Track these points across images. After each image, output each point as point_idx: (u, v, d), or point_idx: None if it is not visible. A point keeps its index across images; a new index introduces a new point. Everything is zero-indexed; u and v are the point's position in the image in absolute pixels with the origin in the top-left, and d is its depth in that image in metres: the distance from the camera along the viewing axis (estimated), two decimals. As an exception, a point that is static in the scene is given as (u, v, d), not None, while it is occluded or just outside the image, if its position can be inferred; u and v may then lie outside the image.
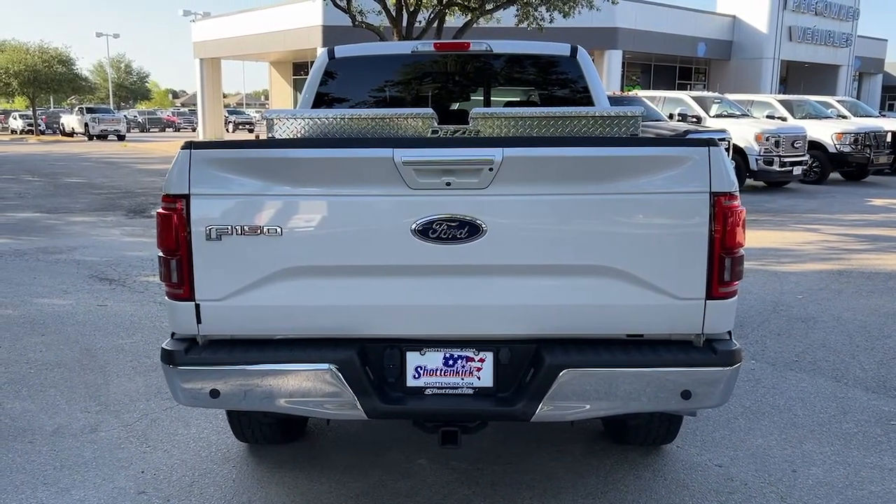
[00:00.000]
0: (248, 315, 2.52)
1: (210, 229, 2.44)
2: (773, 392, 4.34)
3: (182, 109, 74.36)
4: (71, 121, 46.56)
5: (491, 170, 2.38)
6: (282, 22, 29.98)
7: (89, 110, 45.91)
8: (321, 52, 4.32)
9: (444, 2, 13.00)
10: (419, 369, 2.58)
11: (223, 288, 2.48)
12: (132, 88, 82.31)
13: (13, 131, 52.54)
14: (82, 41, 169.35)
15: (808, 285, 6.99)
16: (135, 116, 62.99)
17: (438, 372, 2.58)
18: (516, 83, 4.58)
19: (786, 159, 14.83)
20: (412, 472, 3.40)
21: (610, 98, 16.40)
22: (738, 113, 16.67)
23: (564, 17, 14.12)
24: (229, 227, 2.43)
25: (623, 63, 31.19)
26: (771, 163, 14.79)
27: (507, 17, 15.27)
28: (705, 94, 20.25)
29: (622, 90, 26.36)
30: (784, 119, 17.46)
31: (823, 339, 5.37)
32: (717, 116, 17.77)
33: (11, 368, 4.71)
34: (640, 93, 20.94)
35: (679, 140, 2.73)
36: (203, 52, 37.73)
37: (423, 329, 2.54)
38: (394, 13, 12.90)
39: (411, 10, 12.84)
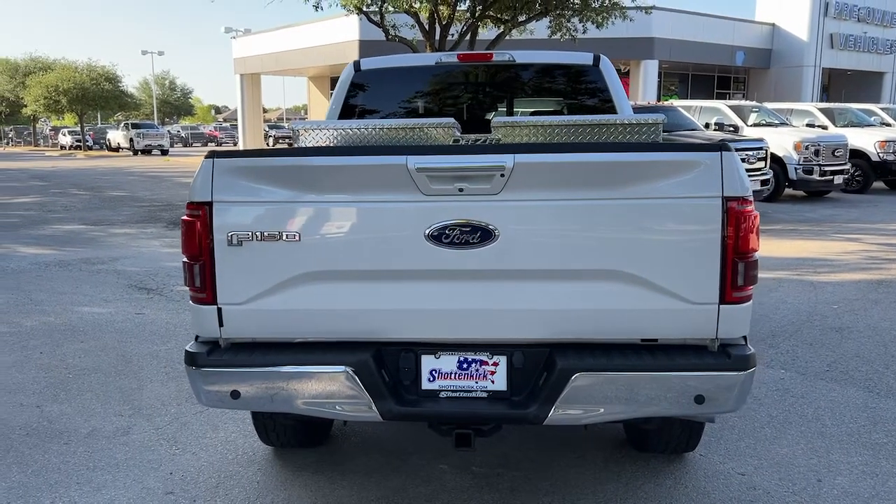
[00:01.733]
0: (268, 319, 2.59)
1: (231, 235, 2.52)
2: (802, 402, 4.28)
3: (224, 124, 75.84)
4: (117, 136, 47.92)
5: (503, 175, 2.42)
6: (319, 37, 30.48)
7: (134, 126, 47.16)
8: (348, 65, 4.41)
9: (476, 14, 13.09)
10: (434, 373, 2.62)
11: (244, 292, 2.56)
12: (176, 104, 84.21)
13: (62, 147, 54.26)
14: (129, 59, 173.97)
15: (845, 295, 6.86)
16: (178, 131, 64.57)
17: (453, 375, 2.62)
18: (539, 92, 4.61)
19: (826, 168, 14.56)
20: (433, 476, 3.44)
21: (645, 108, 16.38)
22: (776, 122, 16.42)
23: (598, 27, 14.11)
24: (250, 234, 2.52)
25: (660, 73, 30.98)
26: (811, 172, 14.54)
27: (540, 29, 15.31)
28: (743, 103, 20.01)
29: (659, 100, 26.19)
30: (825, 127, 17.13)
31: (857, 349, 5.27)
32: (756, 125, 17.52)
33: (52, 373, 4.88)
34: (677, 102, 20.76)
35: (691, 145, 2.73)
36: (243, 68, 38.55)
37: (437, 333, 2.59)
38: (427, 27, 13.04)
39: (444, 23, 12.96)
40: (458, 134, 3.50)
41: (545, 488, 3.32)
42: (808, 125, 17.29)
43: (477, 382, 2.61)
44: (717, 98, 29.70)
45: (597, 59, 4.30)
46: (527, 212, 2.47)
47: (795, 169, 14.54)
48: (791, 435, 3.84)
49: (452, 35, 13.42)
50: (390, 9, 12.27)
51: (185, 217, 2.58)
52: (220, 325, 2.60)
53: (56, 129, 62.75)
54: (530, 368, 2.58)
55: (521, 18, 13.75)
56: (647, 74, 28.39)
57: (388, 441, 3.82)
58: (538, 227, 2.49)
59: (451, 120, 3.38)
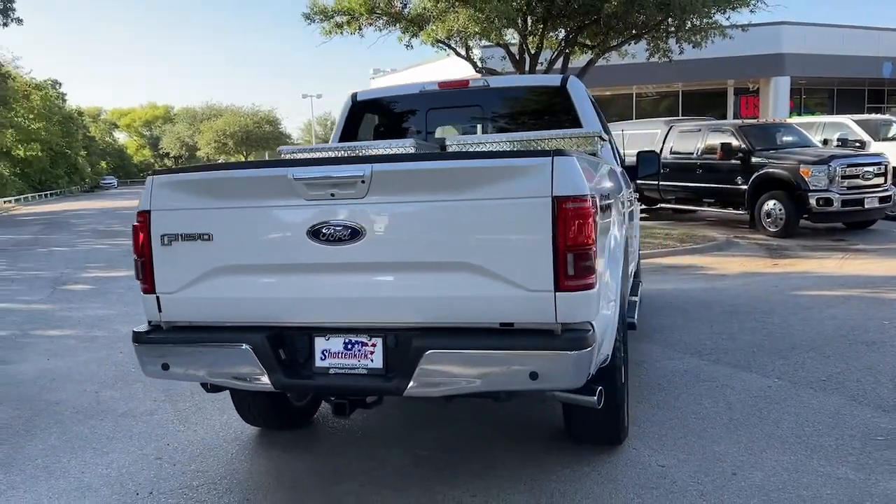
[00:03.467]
0: (193, 305, 3.17)
1: (164, 237, 3.13)
2: (773, 407, 4.29)
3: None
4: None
5: (364, 182, 2.87)
6: (439, 75, 31.69)
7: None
8: (348, 96, 5.01)
9: (563, 43, 13.37)
10: (325, 352, 3.08)
11: (175, 283, 3.16)
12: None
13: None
14: (290, 102, 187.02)
15: (904, 311, 6.53)
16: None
17: (340, 355, 3.06)
18: (510, 113, 4.96)
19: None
20: (377, 455, 3.87)
21: (762, 125, 16.09)
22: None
23: (694, 47, 13.94)
24: (177, 235, 3.11)
25: (798, 89, 29.48)
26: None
27: (640, 52, 15.32)
28: (874, 117, 18.78)
29: (791, 116, 24.96)
30: None
31: (873, 362, 5.09)
32: (889, 139, 16.44)
33: (121, 368, 5.77)
34: (799, 119, 19.83)
35: (525, 152, 3.03)
36: None
37: (324, 318, 3.05)
38: (517, 57, 13.50)
39: (532, 52, 13.36)
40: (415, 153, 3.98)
41: (476, 469, 3.64)
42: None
43: (359, 361, 3.04)
44: (868, 112, 27.80)
45: (564, 81, 4.61)
46: (387, 212, 2.90)
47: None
48: (738, 435, 3.90)
49: (542, 63, 13.78)
50: (477, 42, 12.83)
51: (134, 224, 3.23)
52: (160, 310, 3.21)
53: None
54: (401, 349, 2.97)
55: (613, 43, 13.87)
56: (778, 91, 27.13)
57: (360, 429, 4.29)
58: (397, 225, 2.90)
59: (410, 141, 3.87)
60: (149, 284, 3.20)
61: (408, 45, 12.87)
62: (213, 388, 3.35)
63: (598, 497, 3.28)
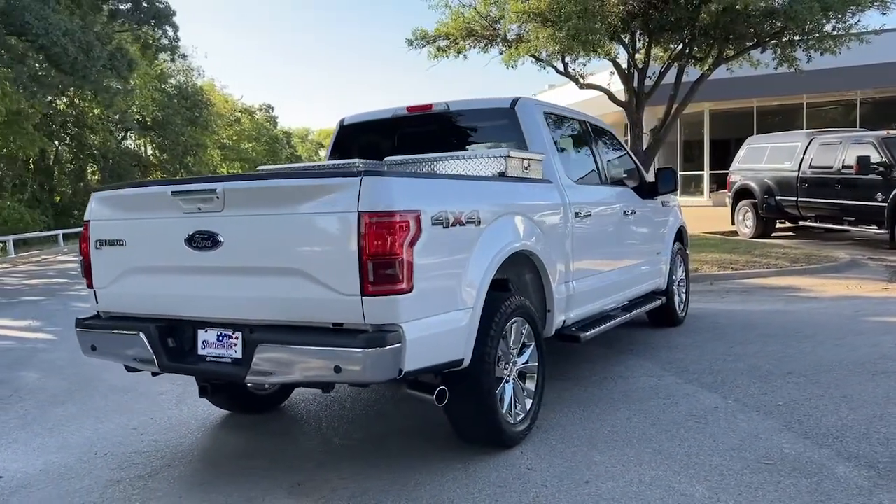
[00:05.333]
0: (116, 298, 3.88)
1: (96, 241, 3.87)
2: (697, 427, 4.23)
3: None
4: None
5: (218, 198, 3.41)
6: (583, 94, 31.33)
7: None
8: (339, 120, 5.59)
9: (670, 57, 13.00)
10: (204, 343, 3.64)
11: (105, 280, 3.88)
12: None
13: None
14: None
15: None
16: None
17: (214, 345, 3.61)
18: (466, 133, 5.23)
19: None
20: (301, 440, 4.38)
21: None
22: None
23: (822, 54, 13.00)
24: (104, 241, 3.83)
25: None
26: None
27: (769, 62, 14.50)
28: None
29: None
30: None
31: (860, 392, 4.77)
32: None
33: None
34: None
35: (337, 172, 3.38)
36: (607, 117, 40.82)
37: (202, 313, 3.61)
38: (625, 71, 13.34)
39: (640, 67, 13.14)
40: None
41: (365, 457, 4.02)
42: None
43: (226, 351, 3.56)
44: None
45: (514, 103, 4.86)
46: (238, 224, 3.41)
47: None
48: (631, 448, 3.93)
49: (650, 77, 13.49)
50: (574, 58, 12.83)
51: (82, 231, 4.00)
52: (97, 301, 3.95)
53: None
54: (249, 342, 3.45)
55: (731, 52, 13.28)
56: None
57: (313, 418, 4.82)
58: (246, 235, 3.41)
59: (356, 161, 4.40)
60: (89, 280, 3.95)
61: (510, 66, 13.24)
62: (130, 368, 4.01)
63: (446, 488, 3.54)
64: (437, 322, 3.38)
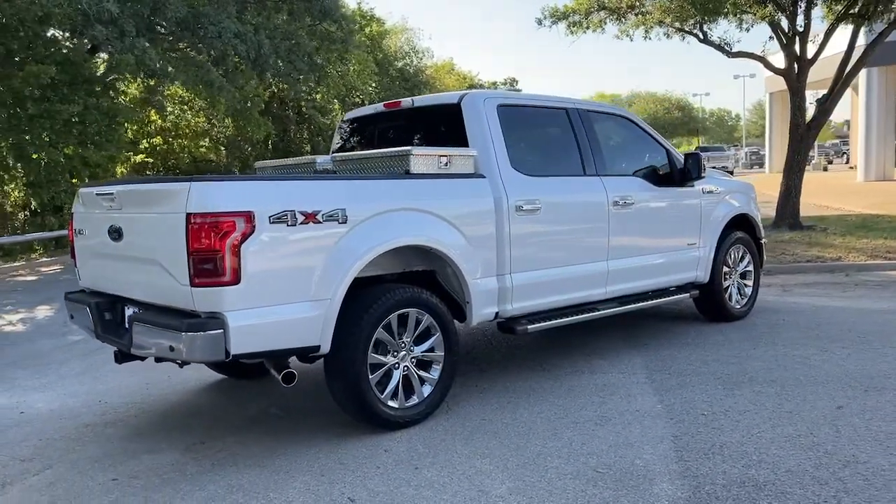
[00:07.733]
0: (87, 278, 4.76)
1: (77, 230, 4.77)
2: (592, 426, 4.16)
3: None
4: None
5: (115, 199, 4.10)
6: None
7: (703, 149, 49.36)
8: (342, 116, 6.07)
9: (838, 17, 11.30)
10: (128, 318, 4.37)
11: (80, 262, 4.79)
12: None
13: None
14: (721, 84, 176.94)
15: None
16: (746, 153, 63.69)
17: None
18: (420, 129, 5.34)
19: None
20: (243, 409, 5.01)
21: None
22: None
23: None
24: (79, 230, 4.73)
25: None
26: None
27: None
28: None
29: None
30: None
31: (826, 406, 4.30)
32: None
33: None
34: None
35: (171, 178, 3.84)
36: (772, 86, 37.51)
37: (124, 292, 4.34)
38: (789, 34, 11.93)
39: (800, 31, 11.66)
40: (319, 166, 5.08)
41: (247, 434, 4.54)
42: None
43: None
44: None
45: (460, 99, 4.96)
46: (129, 220, 4.08)
47: None
48: (496, 443, 4.01)
49: (812, 40, 11.91)
50: (729, 21, 11.65)
51: (70, 221, 4.95)
52: (80, 279, 4.88)
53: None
54: (132, 320, 4.09)
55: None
56: None
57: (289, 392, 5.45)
58: (133, 230, 4.07)
59: (314, 158, 5.00)
60: (74, 261, 4.89)
61: (645, 37, 12.48)
62: (98, 337, 4.85)
63: (301, 459, 3.94)
64: (274, 311, 3.76)
